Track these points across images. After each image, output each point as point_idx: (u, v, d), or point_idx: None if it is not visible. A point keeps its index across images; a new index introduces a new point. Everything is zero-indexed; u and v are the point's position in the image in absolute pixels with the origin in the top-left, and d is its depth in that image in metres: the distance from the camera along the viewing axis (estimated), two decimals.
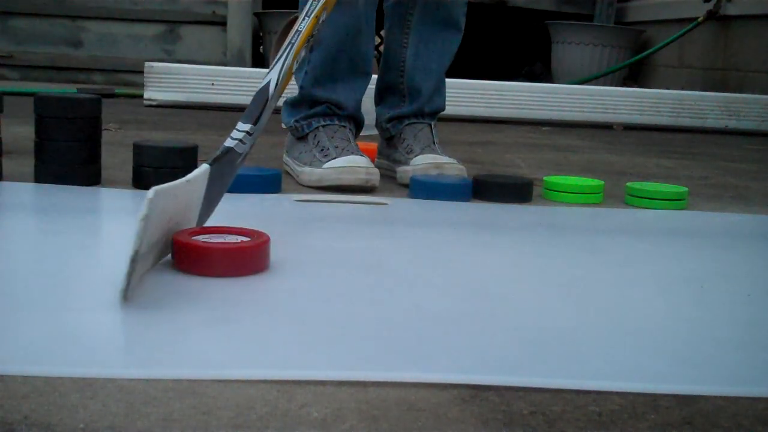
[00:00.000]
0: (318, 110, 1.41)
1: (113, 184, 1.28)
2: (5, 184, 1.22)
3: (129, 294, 0.69)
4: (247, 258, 0.80)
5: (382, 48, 1.55)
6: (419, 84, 1.48)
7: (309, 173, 1.36)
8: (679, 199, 1.36)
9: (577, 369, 0.61)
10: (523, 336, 0.68)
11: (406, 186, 1.38)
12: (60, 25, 3.84)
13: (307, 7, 1.05)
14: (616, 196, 1.44)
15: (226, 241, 0.82)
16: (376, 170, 1.34)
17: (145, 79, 2.80)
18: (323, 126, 1.40)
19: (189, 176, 0.83)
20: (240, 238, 0.83)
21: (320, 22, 1.06)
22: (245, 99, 2.97)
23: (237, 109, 2.65)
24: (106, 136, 1.54)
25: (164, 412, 0.50)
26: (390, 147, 1.52)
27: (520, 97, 2.94)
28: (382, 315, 0.71)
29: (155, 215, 0.72)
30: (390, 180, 1.45)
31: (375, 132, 1.60)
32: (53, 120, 1.21)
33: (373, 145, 1.59)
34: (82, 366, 0.56)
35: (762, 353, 0.67)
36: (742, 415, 0.55)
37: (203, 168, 0.86)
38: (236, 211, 1.06)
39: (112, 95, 3.08)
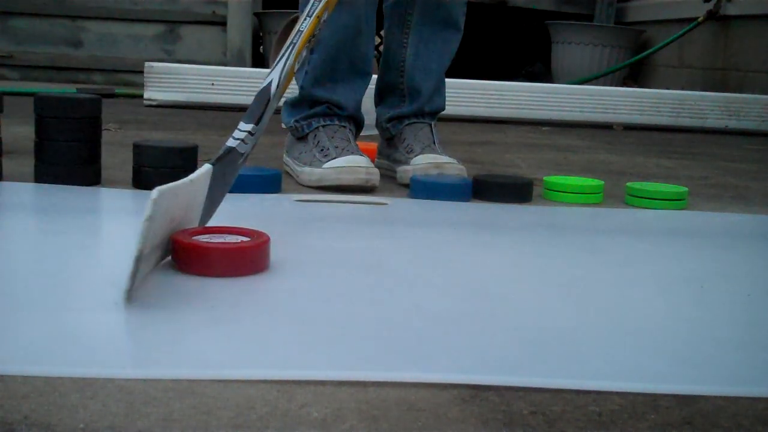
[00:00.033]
0: (318, 110, 1.41)
1: (113, 184, 1.28)
2: (5, 184, 1.22)
3: (132, 294, 0.69)
4: (247, 258, 0.80)
5: (382, 48, 1.55)
6: (419, 84, 1.48)
7: (309, 173, 1.36)
8: (679, 199, 1.36)
9: (577, 369, 0.61)
10: (523, 336, 0.68)
11: (406, 186, 1.38)
12: (60, 25, 3.84)
13: (309, 7, 1.05)
14: (616, 196, 1.44)
15: (226, 241, 0.82)
16: (376, 170, 1.34)
17: (145, 79, 2.80)
18: (323, 126, 1.40)
19: (191, 176, 0.83)
20: (240, 238, 0.83)
21: (322, 22, 1.06)
22: (245, 99, 2.97)
23: (237, 109, 2.65)
24: (106, 136, 1.54)
25: (164, 412, 0.50)
26: (390, 147, 1.52)
27: (520, 97, 2.94)
28: (382, 315, 0.71)
29: (159, 216, 0.72)
30: (390, 180, 1.45)
31: (375, 132, 1.60)
32: (53, 120, 1.21)
33: (373, 145, 1.59)
34: (82, 366, 0.56)
35: (762, 353, 0.67)
36: (742, 415, 0.55)
37: (206, 168, 0.86)
38: (236, 211, 1.06)
39: (112, 95, 3.08)
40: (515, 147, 2.21)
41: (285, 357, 0.60)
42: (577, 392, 0.57)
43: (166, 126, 2.25)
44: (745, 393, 0.58)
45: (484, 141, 2.32)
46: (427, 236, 1.06)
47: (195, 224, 0.88)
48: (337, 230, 1.08)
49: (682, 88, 3.39)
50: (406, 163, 1.42)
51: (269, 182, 1.28)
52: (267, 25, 3.99)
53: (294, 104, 1.44)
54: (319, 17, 1.05)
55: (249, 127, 0.95)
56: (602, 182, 1.41)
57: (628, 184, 1.41)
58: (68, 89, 2.96)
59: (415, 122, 1.49)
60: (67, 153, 1.23)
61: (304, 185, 1.37)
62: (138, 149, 1.25)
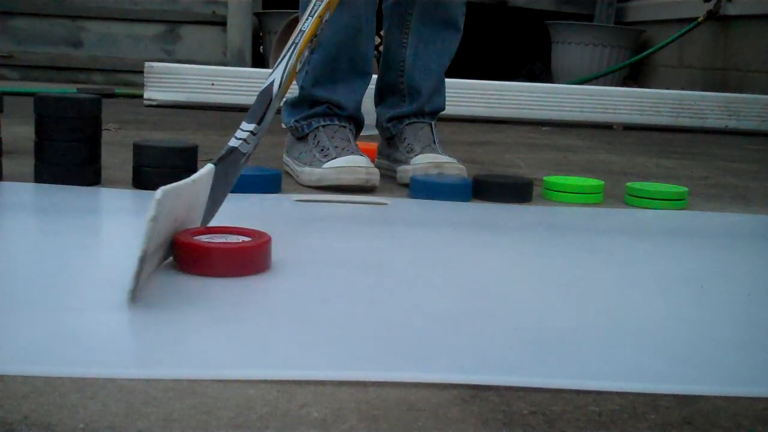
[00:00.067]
0: (318, 110, 1.41)
1: (113, 184, 1.28)
2: (5, 184, 1.22)
3: (136, 294, 0.69)
4: (249, 258, 0.80)
5: (382, 48, 1.55)
6: (419, 84, 1.48)
7: (309, 173, 1.36)
8: (679, 199, 1.36)
9: (577, 369, 0.61)
10: (523, 336, 0.68)
11: (406, 185, 1.38)
12: (60, 25, 3.84)
13: (311, 6, 1.05)
14: (616, 196, 1.44)
15: (228, 241, 0.82)
16: (376, 170, 1.34)
17: (145, 79, 2.80)
18: (323, 126, 1.40)
19: (194, 176, 0.83)
20: (241, 239, 0.83)
21: (324, 21, 1.06)
22: (245, 99, 2.97)
23: (237, 109, 2.66)
24: (106, 136, 1.54)
25: (164, 412, 0.50)
26: (390, 147, 1.52)
27: (520, 97, 2.94)
28: (382, 315, 0.71)
29: (163, 216, 0.72)
30: (390, 180, 1.45)
31: (375, 132, 1.60)
32: (53, 120, 1.21)
33: (373, 145, 1.59)
34: (82, 366, 0.56)
35: (762, 353, 0.67)
36: (742, 415, 0.55)
37: (208, 168, 0.86)
38: (236, 211, 1.05)
39: (112, 95, 3.08)
40: (515, 147, 2.21)
41: (285, 357, 0.60)
42: (577, 392, 0.57)
43: (166, 126, 2.25)
44: (745, 393, 0.58)
45: (484, 141, 2.32)
46: (427, 236, 1.06)
47: (197, 224, 0.88)
48: (337, 230, 1.08)
49: (682, 88, 3.39)
50: (407, 162, 1.42)
51: (269, 182, 1.28)
52: (267, 25, 3.99)
53: (294, 104, 1.44)
54: (321, 17, 1.05)
55: (251, 127, 0.95)
56: (602, 182, 1.41)
57: (628, 184, 1.41)
58: (68, 89, 2.96)
59: (415, 122, 1.49)
60: (67, 153, 1.23)
61: (304, 185, 1.37)
62: (138, 149, 1.25)
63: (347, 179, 1.31)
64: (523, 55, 4.69)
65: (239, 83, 2.77)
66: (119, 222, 1.08)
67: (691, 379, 0.60)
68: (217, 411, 0.51)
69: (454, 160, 1.41)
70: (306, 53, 1.04)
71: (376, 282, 0.82)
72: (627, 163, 1.96)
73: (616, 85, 3.75)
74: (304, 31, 1.03)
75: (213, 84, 2.79)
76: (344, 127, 1.41)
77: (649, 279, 0.89)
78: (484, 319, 0.72)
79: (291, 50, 1.02)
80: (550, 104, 2.95)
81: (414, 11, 1.47)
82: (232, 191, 0.96)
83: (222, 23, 3.88)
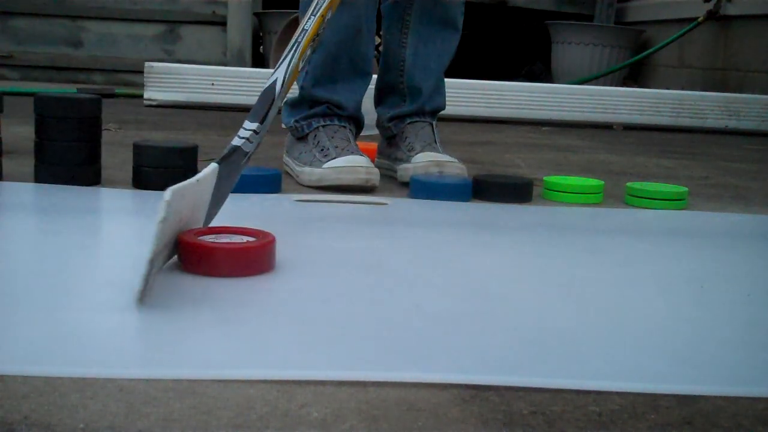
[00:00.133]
0: (318, 110, 1.41)
1: (113, 184, 1.28)
2: (5, 184, 1.22)
3: (145, 296, 0.69)
4: (253, 258, 0.80)
5: (381, 48, 1.55)
6: (419, 83, 1.48)
7: (309, 173, 1.36)
8: (679, 199, 1.36)
9: (577, 369, 0.61)
10: (523, 336, 0.68)
11: (406, 184, 1.38)
12: (60, 25, 3.84)
13: (314, 5, 1.05)
14: (616, 196, 1.44)
15: (232, 241, 0.82)
16: (376, 170, 1.34)
17: (145, 79, 2.80)
18: (323, 126, 1.40)
19: (199, 176, 0.82)
20: (245, 239, 0.83)
21: (326, 21, 1.05)
22: (245, 99, 2.96)
23: (237, 109, 2.65)
24: (106, 136, 1.54)
25: (164, 412, 0.50)
26: (391, 146, 1.52)
27: (520, 97, 2.94)
28: (382, 315, 0.71)
29: (170, 217, 0.72)
30: (390, 180, 1.45)
31: (375, 132, 1.60)
32: (53, 120, 1.21)
33: (373, 145, 1.59)
34: (82, 366, 0.56)
35: (762, 353, 0.67)
36: (742, 415, 0.55)
37: (212, 167, 0.86)
38: (237, 211, 1.05)
39: (112, 95, 3.08)
40: (515, 147, 2.21)
41: (285, 357, 0.60)
42: (577, 392, 0.57)
43: (166, 126, 2.25)
44: (745, 393, 0.58)
45: (484, 141, 2.32)
46: (427, 236, 1.06)
47: (200, 224, 0.88)
48: (337, 230, 1.08)
49: (682, 88, 3.39)
50: (407, 161, 1.42)
51: (269, 182, 1.28)
52: (267, 25, 3.99)
53: (294, 104, 1.44)
54: (323, 16, 1.05)
55: (254, 126, 0.95)
56: (602, 182, 1.41)
57: (628, 184, 1.41)
58: (68, 89, 2.96)
59: (416, 121, 1.49)
60: (67, 153, 1.23)
61: (304, 185, 1.37)
62: (138, 149, 1.25)
63: (347, 179, 1.31)
64: (523, 55, 4.69)
65: (239, 83, 2.77)
66: (119, 222, 1.08)
67: (691, 379, 0.60)
68: (217, 411, 0.51)
69: (455, 160, 1.42)
70: (308, 52, 1.04)
71: (376, 282, 0.82)
72: (627, 163, 1.96)
73: (616, 85, 3.75)
74: (307, 30, 1.03)
75: (213, 84, 2.79)
76: (344, 127, 1.41)
77: (649, 279, 0.89)
78: (484, 319, 0.72)
79: (293, 49, 1.02)
80: (550, 104, 2.95)
81: (413, 11, 1.47)
82: (233, 191, 0.96)
83: (222, 23, 3.88)
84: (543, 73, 4.37)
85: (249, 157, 0.96)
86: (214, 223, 0.91)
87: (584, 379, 0.59)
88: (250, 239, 0.83)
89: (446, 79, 1.54)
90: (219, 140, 1.91)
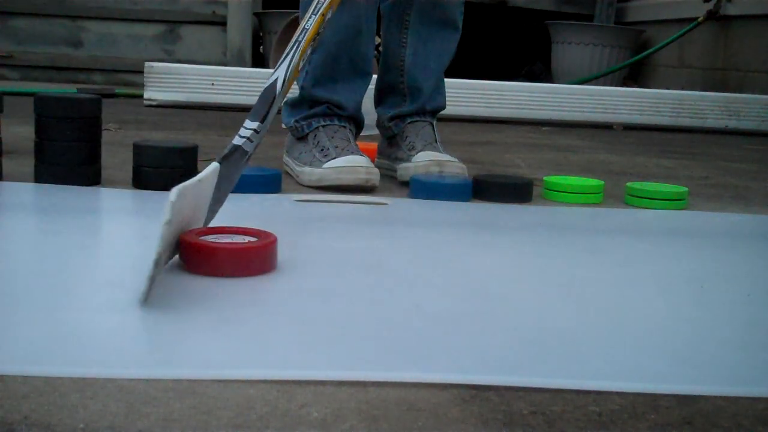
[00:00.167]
0: (318, 110, 1.41)
1: (113, 184, 1.28)
2: (5, 184, 1.22)
3: (149, 297, 0.69)
4: (255, 258, 0.80)
5: (381, 48, 1.55)
6: (419, 83, 1.48)
7: (309, 173, 1.36)
8: (679, 199, 1.36)
9: (577, 369, 0.61)
10: (523, 336, 0.68)
11: (406, 183, 1.38)
12: (60, 25, 3.84)
13: (314, 4, 1.05)
14: (616, 196, 1.44)
15: (234, 241, 0.82)
16: (376, 170, 1.34)
17: (145, 79, 2.80)
18: (323, 126, 1.40)
19: (201, 175, 0.82)
20: (247, 239, 0.83)
21: (326, 20, 1.05)
22: (245, 99, 2.96)
23: (237, 109, 2.65)
24: (106, 136, 1.54)
25: (164, 412, 0.50)
26: (392, 146, 1.52)
27: (520, 97, 2.94)
28: (382, 315, 0.71)
29: (176, 217, 0.72)
30: (390, 180, 1.45)
31: (375, 132, 1.60)
32: (53, 120, 1.21)
33: (373, 145, 1.59)
34: (82, 366, 0.56)
35: (762, 353, 0.67)
36: (742, 415, 0.55)
37: (213, 166, 0.86)
38: (237, 211, 1.05)
39: (112, 95, 3.08)
40: (515, 147, 2.21)
41: (285, 357, 0.60)
42: (577, 392, 0.57)
43: (166, 126, 2.25)
44: (745, 393, 0.58)
45: (484, 141, 2.32)
46: (427, 236, 1.06)
47: (201, 224, 0.88)
48: (337, 230, 1.08)
49: (682, 88, 3.39)
50: (408, 160, 1.42)
51: (269, 182, 1.28)
52: (267, 25, 3.99)
53: (294, 104, 1.44)
54: (324, 15, 1.05)
55: (255, 125, 0.95)
56: (602, 182, 1.41)
57: (628, 184, 1.41)
58: (68, 89, 2.96)
59: (417, 120, 1.49)
60: (67, 153, 1.23)
61: (304, 185, 1.37)
62: (138, 149, 1.25)
63: (347, 179, 1.31)
64: (523, 55, 4.69)
65: (239, 83, 2.77)
66: (119, 222, 1.08)
67: (691, 379, 0.60)
68: (217, 411, 0.51)
69: (455, 159, 1.42)
70: (308, 51, 1.04)
71: (376, 282, 0.82)
72: (627, 163, 1.96)
73: (616, 85, 3.75)
74: (308, 29, 1.03)
75: (213, 84, 2.79)
76: (344, 127, 1.41)
77: (649, 279, 0.89)
78: (484, 319, 0.72)
79: (294, 48, 1.02)
80: (550, 104, 2.95)
81: (412, 11, 1.47)
82: (233, 191, 0.96)
83: (222, 23, 3.88)
84: (543, 73, 4.37)
85: (249, 157, 0.96)
86: (215, 223, 0.91)
87: (584, 379, 0.59)
88: (252, 239, 0.83)
89: (446, 79, 1.54)
90: (219, 140, 1.91)
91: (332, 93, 1.40)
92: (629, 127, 2.98)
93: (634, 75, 4.25)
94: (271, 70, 1.01)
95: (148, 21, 3.87)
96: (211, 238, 0.82)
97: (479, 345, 0.65)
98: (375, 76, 1.52)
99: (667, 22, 3.98)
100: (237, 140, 0.94)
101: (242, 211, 1.10)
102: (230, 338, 0.63)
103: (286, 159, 1.48)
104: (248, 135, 0.95)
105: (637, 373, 0.60)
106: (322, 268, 0.86)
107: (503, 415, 0.53)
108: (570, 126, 2.94)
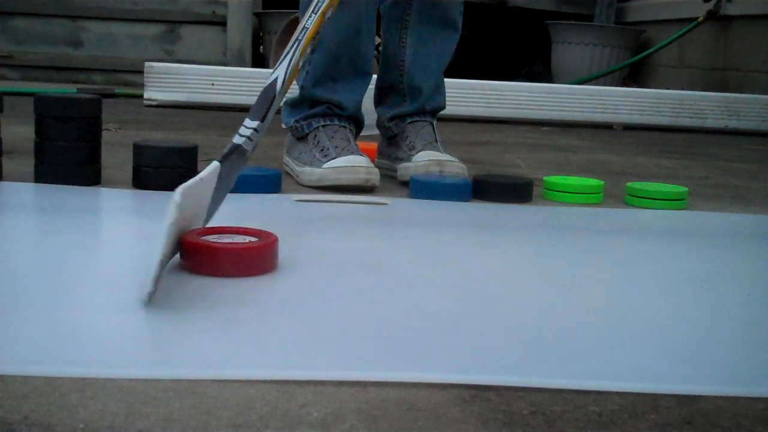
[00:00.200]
0: (318, 110, 1.41)
1: (113, 184, 1.28)
2: (5, 184, 1.22)
3: (153, 297, 0.69)
4: (256, 258, 0.80)
5: (381, 48, 1.55)
6: (419, 83, 1.48)
7: (309, 173, 1.36)
8: (679, 199, 1.36)
9: (577, 369, 0.61)
10: (523, 336, 0.68)
11: (406, 183, 1.38)
12: (60, 25, 3.84)
13: (314, 3, 1.05)
14: (616, 196, 1.44)
15: (235, 241, 0.82)
16: (376, 170, 1.34)
17: (145, 79, 2.80)
18: (323, 126, 1.40)
19: (202, 174, 0.82)
20: (248, 239, 0.83)
21: (326, 19, 1.05)
22: (245, 99, 2.96)
23: (237, 109, 2.65)
24: (106, 136, 1.54)
25: (164, 412, 0.50)
26: (392, 146, 1.52)
27: (520, 97, 2.94)
28: (382, 315, 0.71)
29: (180, 217, 0.72)
30: (390, 180, 1.45)
31: (375, 132, 1.60)
32: (53, 120, 1.21)
33: (373, 145, 1.59)
34: (82, 366, 0.56)
35: (762, 353, 0.67)
36: (742, 415, 0.55)
37: (214, 166, 0.86)
38: (237, 211, 1.05)
39: (112, 95, 3.08)
40: (515, 147, 2.21)
41: (285, 357, 0.60)
42: (577, 392, 0.57)
43: (166, 126, 2.25)
44: (745, 393, 0.58)
45: (484, 141, 2.32)
46: (427, 236, 1.06)
47: (201, 223, 0.88)
48: (337, 230, 1.08)
49: (682, 88, 3.39)
50: (408, 160, 1.43)
51: (269, 182, 1.28)
52: (267, 25, 3.99)
53: (294, 104, 1.44)
54: (324, 14, 1.05)
55: (254, 124, 0.95)
56: (602, 182, 1.41)
57: (628, 184, 1.41)
58: (68, 89, 2.96)
59: (417, 120, 1.49)
60: (67, 153, 1.23)
61: (304, 185, 1.37)
62: (138, 149, 1.25)
63: (347, 179, 1.31)
64: (523, 55, 4.69)
65: (239, 83, 2.77)
66: (119, 222, 1.08)
67: (691, 379, 0.60)
68: (217, 411, 0.51)
69: (455, 159, 1.42)
70: (309, 51, 1.04)
71: (376, 282, 0.82)
72: (627, 163, 1.96)
73: (616, 85, 3.75)
74: (308, 28, 1.03)
75: (213, 84, 2.79)
76: (344, 127, 1.41)
77: (649, 279, 0.89)
78: (484, 319, 0.72)
79: (294, 47, 1.02)
80: (550, 104, 2.95)
81: (412, 11, 1.47)
82: (233, 191, 0.96)
83: (222, 23, 3.88)
84: (543, 73, 4.37)
85: (248, 156, 0.96)
86: (216, 223, 0.91)
87: (584, 379, 0.59)
88: (253, 239, 0.83)
89: (446, 79, 1.54)
90: (219, 140, 1.91)
91: (332, 93, 1.40)
92: (629, 127, 2.98)
93: (634, 75, 4.25)
94: (271, 71, 1.01)
95: (148, 21, 3.87)
96: (211, 238, 0.82)
97: (479, 345, 0.65)
98: (375, 76, 1.52)
99: (667, 22, 3.98)
100: (237, 139, 0.94)
101: (242, 211, 1.10)
102: (230, 338, 0.63)
103: (286, 159, 1.48)
104: (248, 134, 0.95)
105: (637, 373, 0.60)
106: (323, 268, 0.86)
107: (503, 415, 0.53)
108: (570, 126, 2.94)
